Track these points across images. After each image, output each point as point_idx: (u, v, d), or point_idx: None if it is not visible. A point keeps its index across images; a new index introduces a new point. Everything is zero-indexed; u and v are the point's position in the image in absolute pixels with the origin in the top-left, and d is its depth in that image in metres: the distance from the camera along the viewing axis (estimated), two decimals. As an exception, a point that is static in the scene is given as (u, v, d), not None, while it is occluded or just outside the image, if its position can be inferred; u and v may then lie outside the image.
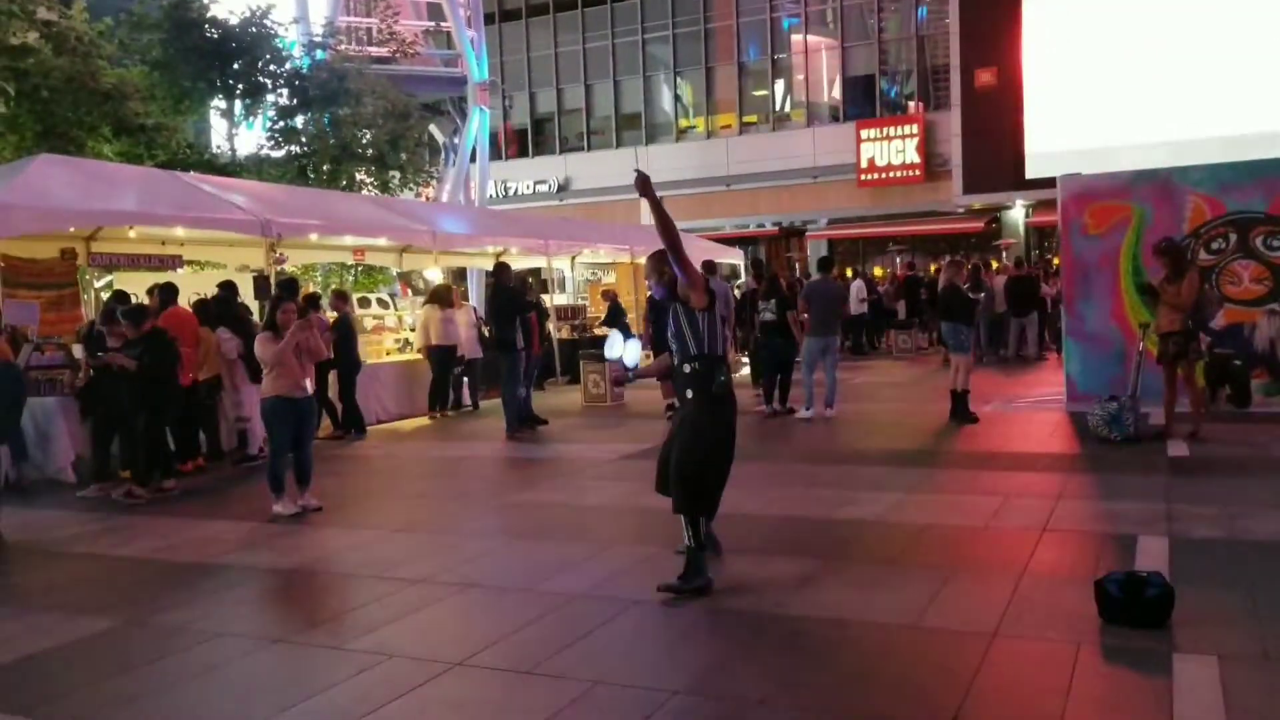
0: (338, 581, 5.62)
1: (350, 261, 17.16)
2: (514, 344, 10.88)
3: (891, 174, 26.46)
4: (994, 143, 24.65)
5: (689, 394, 5.15)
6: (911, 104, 26.97)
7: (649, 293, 12.65)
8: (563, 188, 31.00)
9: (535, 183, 31.24)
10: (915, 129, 26.21)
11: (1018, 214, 25.67)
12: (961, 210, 26.16)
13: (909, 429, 10.30)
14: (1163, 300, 8.55)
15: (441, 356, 12.55)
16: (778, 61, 28.75)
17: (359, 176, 18.79)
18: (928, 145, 26.05)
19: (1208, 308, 8.45)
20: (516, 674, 4.00)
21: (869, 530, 6.07)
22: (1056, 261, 21.27)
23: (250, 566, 5.96)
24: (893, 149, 26.39)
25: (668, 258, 5.12)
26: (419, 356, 13.85)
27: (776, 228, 28.78)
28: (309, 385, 7.43)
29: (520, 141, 32.42)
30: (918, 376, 15.58)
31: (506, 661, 4.14)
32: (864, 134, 26.72)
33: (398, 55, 21.01)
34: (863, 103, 27.76)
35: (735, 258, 21.75)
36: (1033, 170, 24.32)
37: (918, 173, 26.16)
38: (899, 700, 3.62)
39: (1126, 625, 4.16)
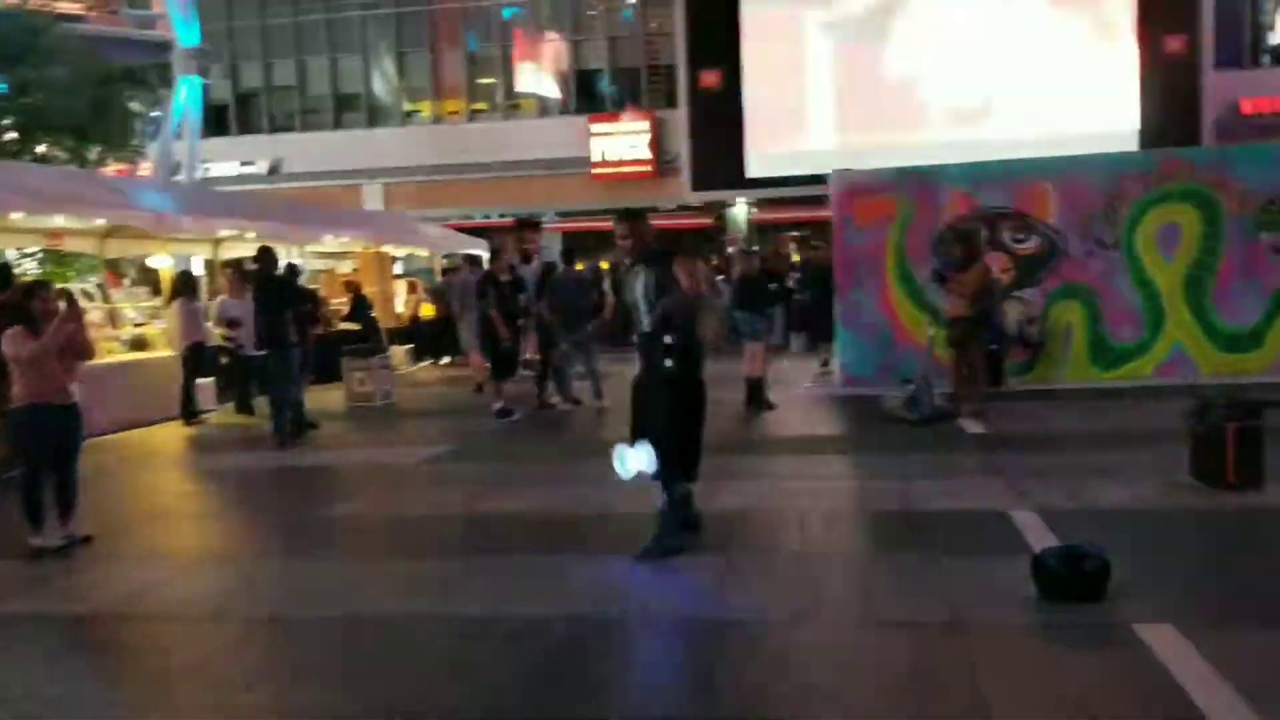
0: (163, 627, 4.60)
1: (33, 248, 14.74)
2: (286, 339, 9.73)
3: (624, 169, 26.74)
4: (719, 142, 25.57)
5: (668, 362, 5.23)
6: (642, 101, 27.43)
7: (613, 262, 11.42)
8: (274, 170, 28.61)
9: (241, 164, 28.61)
10: (646, 125, 26.65)
11: (740, 211, 26.88)
12: (673, 207, 27.00)
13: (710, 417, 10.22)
14: (951, 287, 9.11)
15: (195, 354, 11.04)
16: (508, 50, 28.22)
17: (45, 149, 16.19)
18: (659, 142, 26.62)
19: (994, 296, 9.08)
20: None
21: (716, 522, 5.88)
22: (796, 257, 22.52)
23: (36, 615, 4.75)
24: (624, 144, 26.70)
25: (643, 222, 5.51)
26: (140, 355, 12.16)
27: (513, 219, 28.27)
28: (75, 390, 6.12)
29: (222, 119, 29.56)
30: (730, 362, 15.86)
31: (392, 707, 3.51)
32: (595, 128, 26.83)
33: (91, 13, 18.35)
34: (594, 97, 27.91)
35: (480, 248, 21.07)
36: (753, 170, 25.60)
37: (649, 168, 26.62)
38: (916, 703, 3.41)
39: (1066, 599, 4.23)
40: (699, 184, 26.06)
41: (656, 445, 5.17)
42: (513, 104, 28.36)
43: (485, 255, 21.10)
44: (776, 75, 25.36)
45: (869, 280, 11.36)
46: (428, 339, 17.56)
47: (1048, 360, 11.04)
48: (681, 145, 26.22)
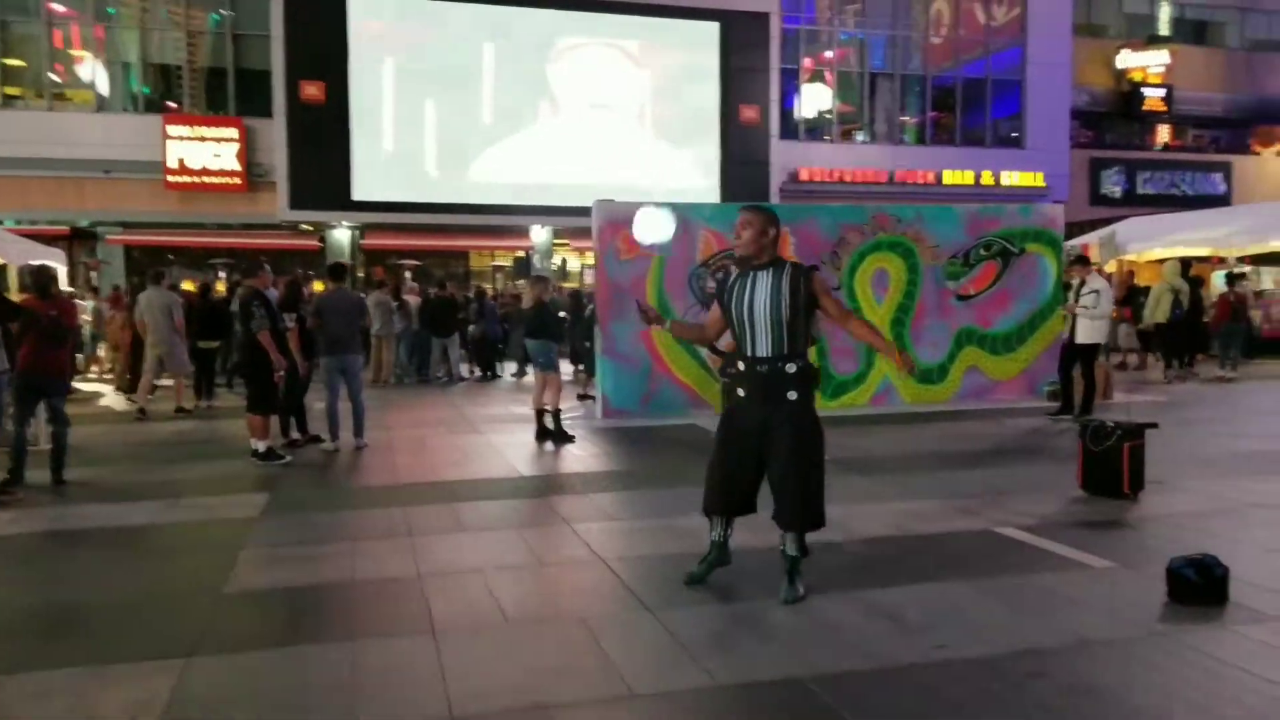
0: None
1: None
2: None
3: (207, 179, 23.72)
4: (322, 159, 23.92)
5: (792, 395, 4.75)
6: (231, 105, 24.64)
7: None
8: None
9: None
10: (235, 133, 23.94)
11: (343, 235, 25.27)
12: (274, 225, 24.79)
13: (507, 454, 9.49)
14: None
15: None
16: (55, 30, 23.69)
17: None
18: (249, 153, 24.06)
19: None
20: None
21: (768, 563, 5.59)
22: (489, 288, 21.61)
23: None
24: (208, 151, 23.71)
25: (771, 219, 5.01)
26: None
27: (68, 227, 23.65)
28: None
29: None
30: (422, 394, 14.59)
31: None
32: (173, 130, 23.52)
33: None
34: (171, 96, 24.51)
35: (55, 259, 17.36)
36: (360, 192, 24.36)
37: (238, 180, 23.91)
38: None
39: (1198, 604, 4.67)
40: (297, 202, 24.09)
41: (810, 493, 4.79)
42: (58, 93, 23.87)
43: (62, 270, 17.68)
44: (389, 95, 24.37)
45: (631, 311, 11.39)
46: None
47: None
48: (278, 159, 24.03)
